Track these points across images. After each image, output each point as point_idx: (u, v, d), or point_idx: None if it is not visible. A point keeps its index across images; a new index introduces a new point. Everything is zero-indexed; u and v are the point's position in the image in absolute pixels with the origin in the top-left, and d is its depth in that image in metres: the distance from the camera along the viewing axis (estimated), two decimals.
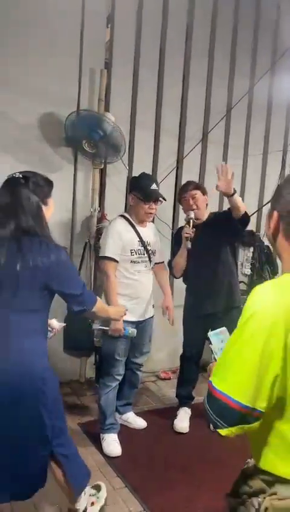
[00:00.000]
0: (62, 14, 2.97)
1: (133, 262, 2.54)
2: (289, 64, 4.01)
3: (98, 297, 1.81)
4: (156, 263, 2.72)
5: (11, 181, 1.65)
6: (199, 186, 2.81)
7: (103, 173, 3.32)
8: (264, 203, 4.05)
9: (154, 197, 2.53)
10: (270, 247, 3.94)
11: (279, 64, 3.85)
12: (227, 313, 2.68)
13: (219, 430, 0.98)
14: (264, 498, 0.98)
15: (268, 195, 4.10)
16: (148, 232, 2.65)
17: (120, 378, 2.62)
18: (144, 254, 2.59)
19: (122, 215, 2.64)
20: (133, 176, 2.87)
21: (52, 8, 2.93)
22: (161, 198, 2.59)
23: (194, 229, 2.61)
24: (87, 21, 3.07)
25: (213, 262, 2.71)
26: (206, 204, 2.80)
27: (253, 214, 3.78)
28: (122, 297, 2.51)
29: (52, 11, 2.93)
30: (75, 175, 3.21)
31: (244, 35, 3.82)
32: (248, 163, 4.04)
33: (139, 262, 2.56)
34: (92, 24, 3.11)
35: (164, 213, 3.56)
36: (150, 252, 2.62)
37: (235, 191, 2.47)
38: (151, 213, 2.57)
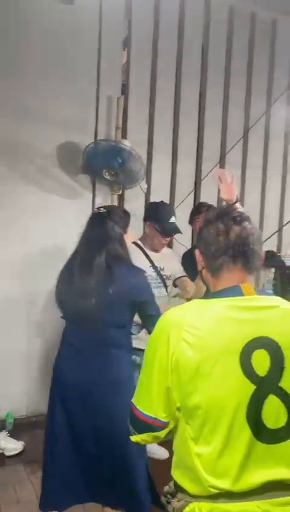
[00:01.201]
0: (79, 43, 3.05)
1: None
2: None
3: None
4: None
5: (98, 216, 1.92)
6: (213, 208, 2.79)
7: (120, 198, 3.33)
8: (284, 223, 3.99)
9: (172, 232, 2.51)
10: None
11: None
12: None
13: (131, 437, 1.11)
14: (175, 500, 1.11)
15: (288, 215, 4.05)
16: (162, 257, 2.59)
17: None
18: (157, 279, 2.54)
19: (133, 242, 2.58)
20: (151, 202, 2.86)
21: (69, 37, 3.01)
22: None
23: None
24: (104, 48, 3.13)
25: None
26: None
27: (273, 234, 3.73)
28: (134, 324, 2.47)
29: (69, 40, 3.01)
30: (93, 201, 3.24)
31: (260, 56, 3.83)
32: (267, 184, 4.01)
33: (152, 288, 2.51)
34: (109, 51, 3.17)
35: (182, 235, 3.53)
36: (164, 277, 2.57)
37: (237, 199, 2.42)
38: (165, 244, 2.57)
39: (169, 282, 2.60)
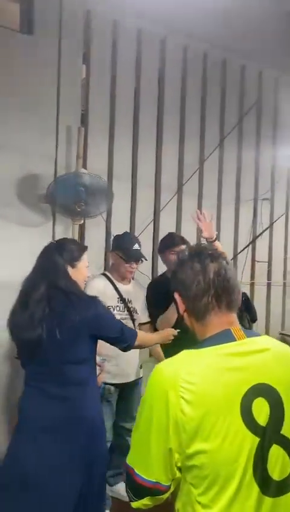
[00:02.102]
0: (39, 72, 3.03)
1: None
2: (254, 121, 4.28)
3: (138, 331, 2.09)
4: (141, 323, 2.64)
5: (45, 247, 1.95)
6: (185, 241, 2.70)
7: (81, 228, 3.29)
8: (239, 251, 4.14)
9: (136, 258, 2.54)
10: (248, 294, 4.00)
11: (245, 121, 4.09)
12: None
13: (131, 503, 1.03)
14: None
15: (242, 242, 4.20)
16: (130, 289, 2.60)
17: (108, 445, 2.46)
18: (124, 311, 2.52)
19: (102, 273, 2.63)
20: (116, 234, 2.85)
21: (30, 67, 2.98)
22: (142, 258, 2.58)
23: None
24: (63, 78, 3.13)
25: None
26: None
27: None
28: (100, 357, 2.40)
29: (30, 69, 2.98)
30: (53, 230, 3.16)
31: (213, 94, 4.02)
32: (222, 212, 4.15)
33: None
34: (68, 81, 3.17)
35: (142, 264, 3.54)
36: (131, 309, 2.55)
37: (216, 237, 2.50)
38: (132, 271, 2.57)
39: (136, 316, 2.58)
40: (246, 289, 4.13)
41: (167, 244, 2.71)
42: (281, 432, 0.98)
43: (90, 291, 2.41)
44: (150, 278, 3.64)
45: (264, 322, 4.47)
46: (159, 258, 3.72)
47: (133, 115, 3.58)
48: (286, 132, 4.54)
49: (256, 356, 1.02)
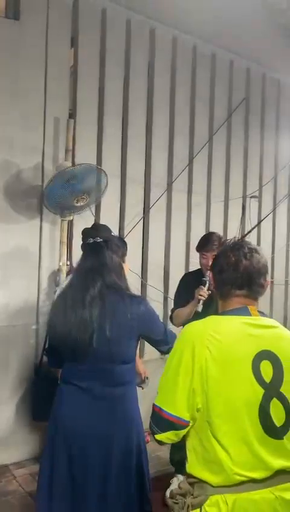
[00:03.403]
0: (25, 59, 2.88)
1: None
2: (243, 116, 4.24)
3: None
4: None
5: (94, 245, 1.80)
6: (221, 243, 2.49)
7: (70, 224, 3.15)
8: None
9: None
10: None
11: (233, 117, 4.04)
12: None
13: (155, 436, 1.25)
14: (189, 498, 1.23)
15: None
16: None
17: None
18: None
19: None
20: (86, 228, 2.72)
21: (15, 53, 2.83)
22: None
23: (209, 292, 2.37)
24: (50, 66, 3.00)
25: None
26: None
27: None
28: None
29: (15, 56, 2.83)
30: (41, 227, 3.02)
31: (202, 88, 3.95)
32: (211, 209, 4.08)
33: None
34: (56, 73, 3.04)
35: (132, 262, 3.43)
36: None
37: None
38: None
39: None
40: None
41: (200, 245, 2.60)
42: (280, 390, 1.24)
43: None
44: (140, 276, 3.55)
45: None
46: (149, 255, 3.67)
47: (122, 110, 3.47)
48: (273, 130, 4.54)
49: (267, 330, 1.30)
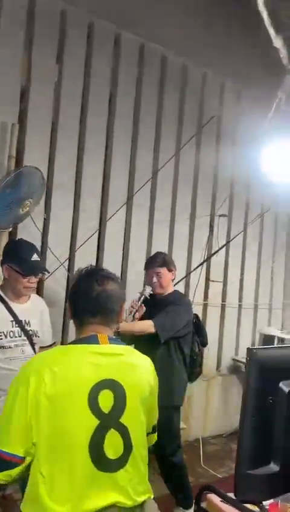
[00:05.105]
0: None
1: (2, 348, 2.02)
2: (214, 131, 4.05)
3: None
4: (42, 347, 2.19)
5: None
6: (166, 263, 2.69)
7: (11, 236, 2.90)
8: (192, 269, 3.86)
9: (35, 271, 2.09)
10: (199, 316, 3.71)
11: (205, 130, 3.84)
12: (163, 412, 2.37)
13: None
14: None
15: (197, 259, 3.93)
16: (29, 308, 2.16)
17: None
18: (20, 336, 2.08)
19: None
20: (9, 241, 2.48)
21: None
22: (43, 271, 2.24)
23: (142, 305, 2.57)
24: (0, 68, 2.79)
25: (151, 350, 2.13)
26: (173, 279, 2.75)
27: (181, 279, 3.56)
28: None
29: None
30: None
31: (171, 100, 3.76)
32: (175, 227, 3.87)
33: (11, 348, 2.05)
34: (6, 77, 2.83)
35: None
36: (30, 332, 2.11)
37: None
38: (30, 287, 2.13)
39: (36, 340, 2.15)
40: (198, 310, 3.85)
41: (145, 263, 2.78)
42: (120, 420, 1.21)
43: None
44: None
45: (217, 345, 4.20)
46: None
47: (80, 116, 3.26)
48: (244, 147, 4.35)
49: (112, 358, 1.28)
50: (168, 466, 2.58)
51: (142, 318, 2.57)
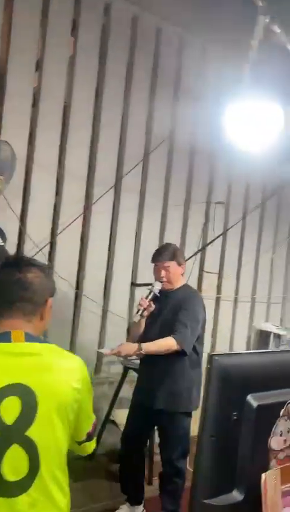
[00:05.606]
0: None
1: None
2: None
3: None
4: None
5: None
6: (176, 256, 2.41)
7: None
8: (187, 258, 3.64)
9: None
10: None
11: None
12: (170, 417, 2.27)
13: None
14: None
15: (191, 249, 3.70)
16: None
17: None
18: None
19: None
20: None
21: None
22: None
23: (151, 303, 2.31)
24: None
25: None
26: (182, 274, 2.45)
27: None
28: None
29: None
30: None
31: (164, 74, 3.50)
32: (168, 214, 3.64)
33: None
34: None
35: (66, 269, 3.01)
36: None
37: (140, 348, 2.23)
38: None
39: None
40: None
41: (152, 256, 2.47)
42: (26, 433, 1.01)
43: None
44: (73, 286, 3.11)
45: (209, 339, 3.99)
46: (87, 261, 3.23)
47: (65, 90, 3.02)
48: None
49: (26, 358, 1.09)
50: (169, 469, 2.37)
51: (150, 315, 2.36)
